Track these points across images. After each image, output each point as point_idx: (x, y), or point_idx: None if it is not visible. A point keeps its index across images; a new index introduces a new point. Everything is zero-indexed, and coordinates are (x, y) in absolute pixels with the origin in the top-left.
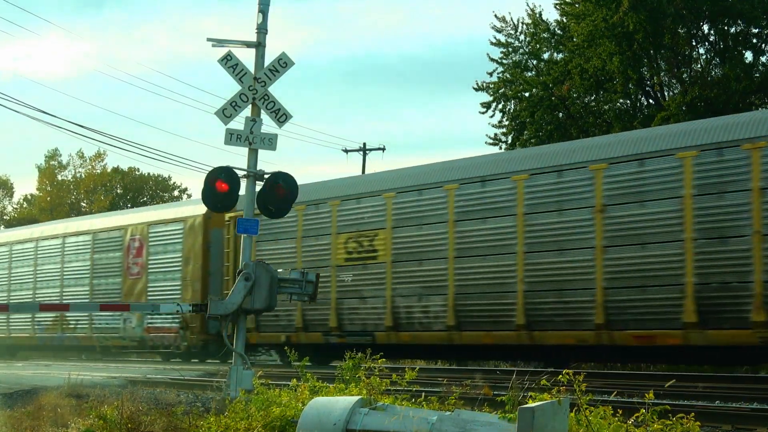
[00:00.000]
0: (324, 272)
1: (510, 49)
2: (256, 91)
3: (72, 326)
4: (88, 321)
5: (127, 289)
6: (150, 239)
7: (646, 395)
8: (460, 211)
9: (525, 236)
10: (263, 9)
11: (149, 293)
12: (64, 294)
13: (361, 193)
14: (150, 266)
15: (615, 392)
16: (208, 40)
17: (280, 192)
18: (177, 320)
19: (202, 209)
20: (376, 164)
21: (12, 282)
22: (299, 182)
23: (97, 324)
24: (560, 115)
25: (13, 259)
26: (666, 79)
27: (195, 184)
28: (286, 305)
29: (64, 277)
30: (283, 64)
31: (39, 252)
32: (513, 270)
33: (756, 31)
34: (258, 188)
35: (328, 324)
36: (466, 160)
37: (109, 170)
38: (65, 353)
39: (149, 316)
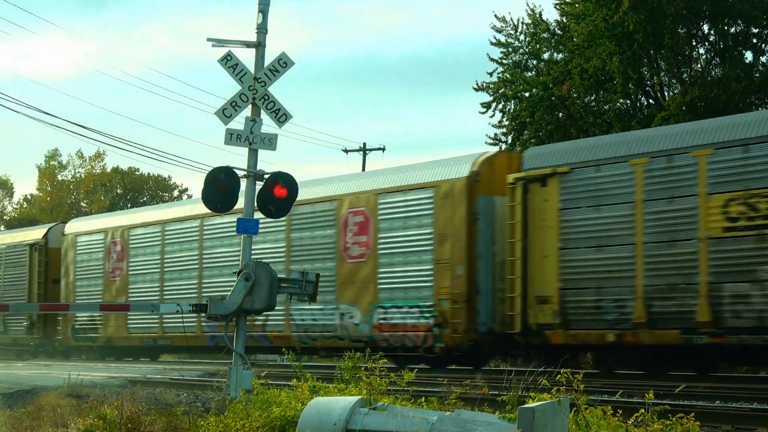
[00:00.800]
0: (686, 247)
1: (510, 49)
2: (256, 91)
3: (260, 323)
4: (284, 316)
5: (345, 275)
6: (380, 212)
7: (646, 395)
8: None
9: None
10: (263, 9)
11: (380, 280)
12: None
13: (751, 138)
14: (381, 246)
15: (616, 393)
16: (208, 40)
17: (280, 192)
18: (429, 315)
19: (464, 170)
20: (376, 164)
21: (166, 269)
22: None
23: (299, 320)
24: (560, 115)
25: (167, 241)
26: (666, 79)
27: (195, 184)
28: (615, 290)
29: None
30: (283, 64)
31: (205, 232)
32: None
33: (756, 31)
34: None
35: (693, 317)
36: None
37: (109, 170)
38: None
39: (382, 310)
